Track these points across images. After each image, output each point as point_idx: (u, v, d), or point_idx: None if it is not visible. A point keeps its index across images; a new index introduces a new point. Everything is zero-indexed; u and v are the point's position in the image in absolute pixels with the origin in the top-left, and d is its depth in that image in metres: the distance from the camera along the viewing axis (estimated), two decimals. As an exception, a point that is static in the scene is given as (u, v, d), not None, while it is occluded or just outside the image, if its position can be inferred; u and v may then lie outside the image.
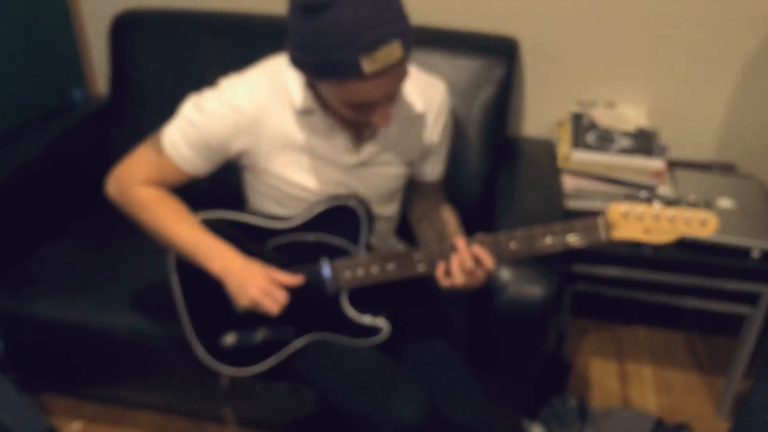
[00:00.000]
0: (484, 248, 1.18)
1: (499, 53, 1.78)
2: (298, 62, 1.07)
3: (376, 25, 0.99)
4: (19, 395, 1.61)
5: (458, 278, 1.18)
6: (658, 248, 1.64)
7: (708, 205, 1.13)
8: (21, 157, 1.76)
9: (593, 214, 1.16)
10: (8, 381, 1.61)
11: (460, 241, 1.19)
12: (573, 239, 1.16)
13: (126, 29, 1.93)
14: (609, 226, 1.14)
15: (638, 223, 1.13)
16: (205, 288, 1.29)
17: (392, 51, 1.01)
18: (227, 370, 1.37)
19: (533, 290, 1.35)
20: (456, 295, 1.31)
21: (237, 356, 1.36)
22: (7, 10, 1.93)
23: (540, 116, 2.03)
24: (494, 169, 1.78)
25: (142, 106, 1.92)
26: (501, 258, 1.19)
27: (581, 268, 1.70)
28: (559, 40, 1.91)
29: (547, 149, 1.91)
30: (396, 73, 1.05)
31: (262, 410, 1.61)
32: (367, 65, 1.00)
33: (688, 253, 1.61)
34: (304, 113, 1.22)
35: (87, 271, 1.67)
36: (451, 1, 1.91)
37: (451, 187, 1.74)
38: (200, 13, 1.93)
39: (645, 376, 1.99)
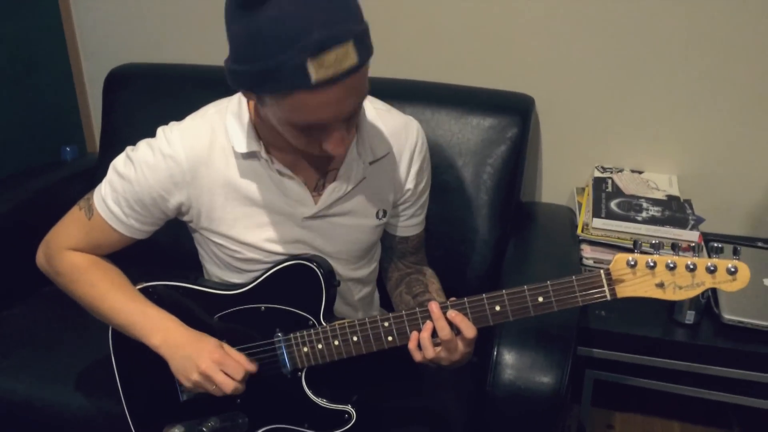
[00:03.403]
0: (463, 312, 0.99)
1: (512, 111, 1.64)
2: (236, 75, 0.89)
3: (325, 23, 0.82)
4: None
5: (430, 350, 0.99)
6: (693, 333, 1.42)
7: (736, 252, 0.92)
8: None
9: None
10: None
11: (434, 305, 1.00)
12: (569, 298, 0.96)
13: (116, 85, 1.85)
14: (614, 282, 0.94)
15: (650, 276, 0.93)
16: (145, 369, 1.12)
17: (345, 55, 0.83)
18: None
19: (541, 379, 1.14)
20: (456, 372, 1.11)
21: None
22: (6, 63, 1.89)
23: (559, 181, 1.88)
24: (505, 236, 1.60)
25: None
26: (485, 323, 1.00)
27: (602, 354, 1.49)
28: (578, 101, 1.77)
29: (565, 216, 1.74)
30: (351, 85, 0.86)
31: None
32: (315, 71, 0.82)
33: (729, 341, 1.42)
34: (248, 158, 1.06)
35: (46, 340, 1.50)
36: (461, 58, 1.79)
37: (456, 256, 1.60)
38: (191, 67, 1.85)
39: (680, 480, 1.74)
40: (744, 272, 0.90)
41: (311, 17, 0.81)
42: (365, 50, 0.86)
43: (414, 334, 1.01)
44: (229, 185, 1.07)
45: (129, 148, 1.10)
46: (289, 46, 0.81)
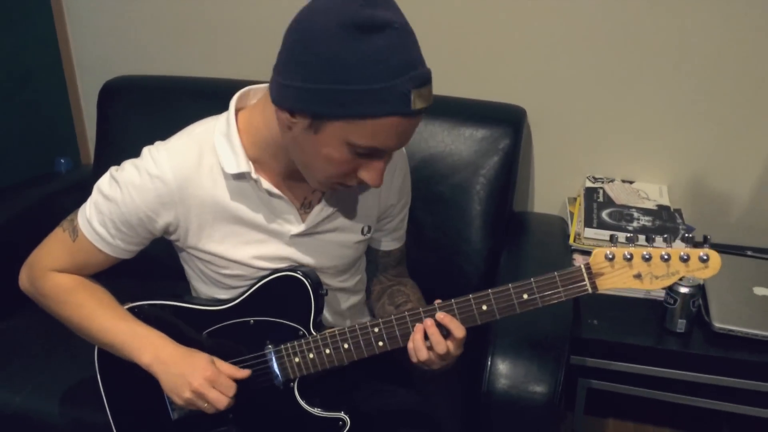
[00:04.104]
0: (451, 313, 1.01)
1: (504, 122, 1.65)
2: (306, 94, 0.88)
3: (423, 62, 0.89)
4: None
5: (423, 352, 1.00)
6: (684, 342, 1.44)
7: (706, 240, 0.96)
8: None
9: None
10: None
11: (422, 310, 1.02)
12: (553, 293, 0.99)
13: (111, 97, 1.85)
14: (594, 275, 0.97)
15: (627, 268, 0.96)
16: (134, 388, 1.11)
17: (431, 93, 0.90)
18: None
19: (535, 389, 1.16)
20: (451, 380, 1.12)
21: None
22: (0, 75, 1.89)
23: (551, 191, 1.89)
24: (498, 246, 1.61)
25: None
26: (473, 323, 1.02)
27: (595, 363, 1.50)
28: (569, 112, 1.79)
29: (557, 226, 1.75)
30: (419, 121, 0.93)
31: None
32: (415, 100, 0.87)
33: (720, 349, 1.43)
34: (236, 178, 1.06)
35: (40, 353, 1.50)
36: (454, 70, 1.81)
37: (449, 266, 1.61)
38: (185, 79, 1.86)
39: (674, 488, 1.74)
40: (715, 259, 0.93)
41: (415, 54, 0.88)
42: None
43: (411, 336, 1.02)
44: (217, 204, 1.07)
45: (113, 169, 1.08)
46: (401, 73, 0.86)
